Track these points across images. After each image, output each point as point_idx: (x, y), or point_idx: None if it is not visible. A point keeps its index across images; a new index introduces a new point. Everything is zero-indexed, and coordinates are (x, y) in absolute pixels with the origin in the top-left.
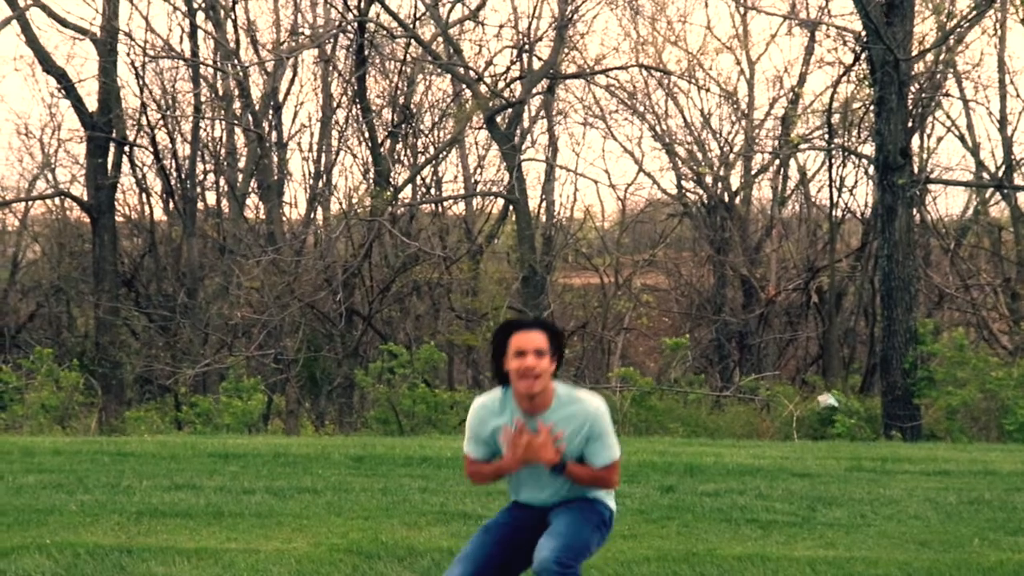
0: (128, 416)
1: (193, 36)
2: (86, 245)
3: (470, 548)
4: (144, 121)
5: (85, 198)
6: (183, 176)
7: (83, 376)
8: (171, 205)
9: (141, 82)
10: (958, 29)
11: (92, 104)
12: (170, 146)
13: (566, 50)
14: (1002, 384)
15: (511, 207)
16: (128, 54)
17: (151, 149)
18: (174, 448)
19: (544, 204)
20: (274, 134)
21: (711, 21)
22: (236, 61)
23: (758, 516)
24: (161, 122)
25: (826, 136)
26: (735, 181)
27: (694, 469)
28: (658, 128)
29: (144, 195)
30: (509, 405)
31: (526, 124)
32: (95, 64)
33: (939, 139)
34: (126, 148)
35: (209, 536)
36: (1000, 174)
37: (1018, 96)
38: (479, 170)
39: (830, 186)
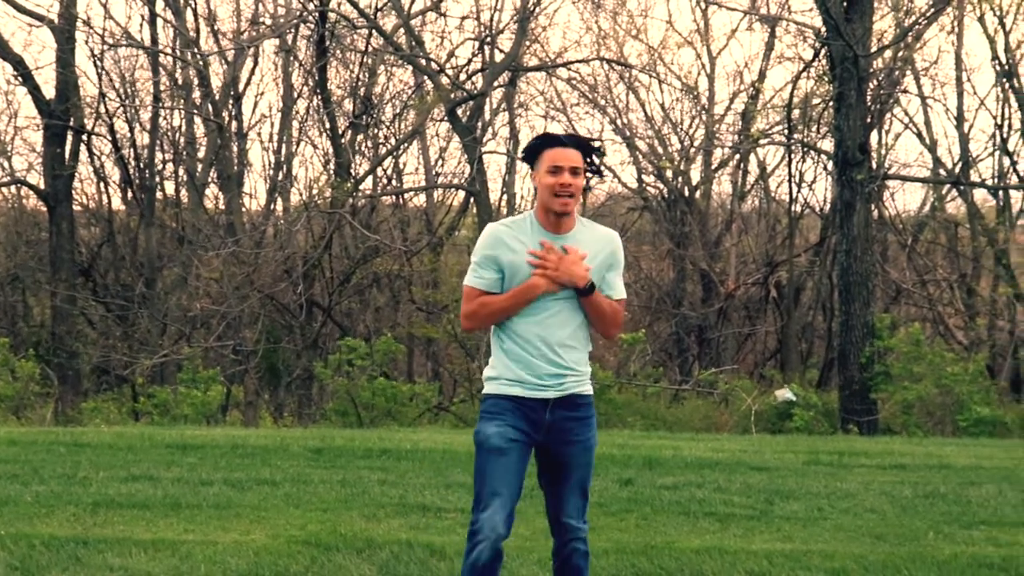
0: (84, 407)
1: (152, 24)
2: (43, 234)
3: (499, 482)
4: (102, 109)
5: (42, 187)
6: (142, 165)
7: (39, 366)
8: (129, 194)
9: (100, 70)
10: (916, 26)
11: (50, 92)
12: (129, 135)
13: (528, 43)
14: (957, 379)
15: (472, 199)
16: (86, 42)
17: (109, 138)
18: (131, 439)
19: (505, 197)
20: (234, 124)
21: (672, 15)
22: (196, 50)
23: (716, 509)
24: (120, 111)
25: (786, 131)
26: (695, 175)
27: (653, 462)
28: (619, 122)
29: (102, 184)
30: (533, 227)
31: (487, 116)
32: (53, 51)
33: (897, 135)
34: (84, 136)
35: (166, 527)
36: (957, 171)
37: (975, 93)
38: (440, 162)
39: (789, 181)
